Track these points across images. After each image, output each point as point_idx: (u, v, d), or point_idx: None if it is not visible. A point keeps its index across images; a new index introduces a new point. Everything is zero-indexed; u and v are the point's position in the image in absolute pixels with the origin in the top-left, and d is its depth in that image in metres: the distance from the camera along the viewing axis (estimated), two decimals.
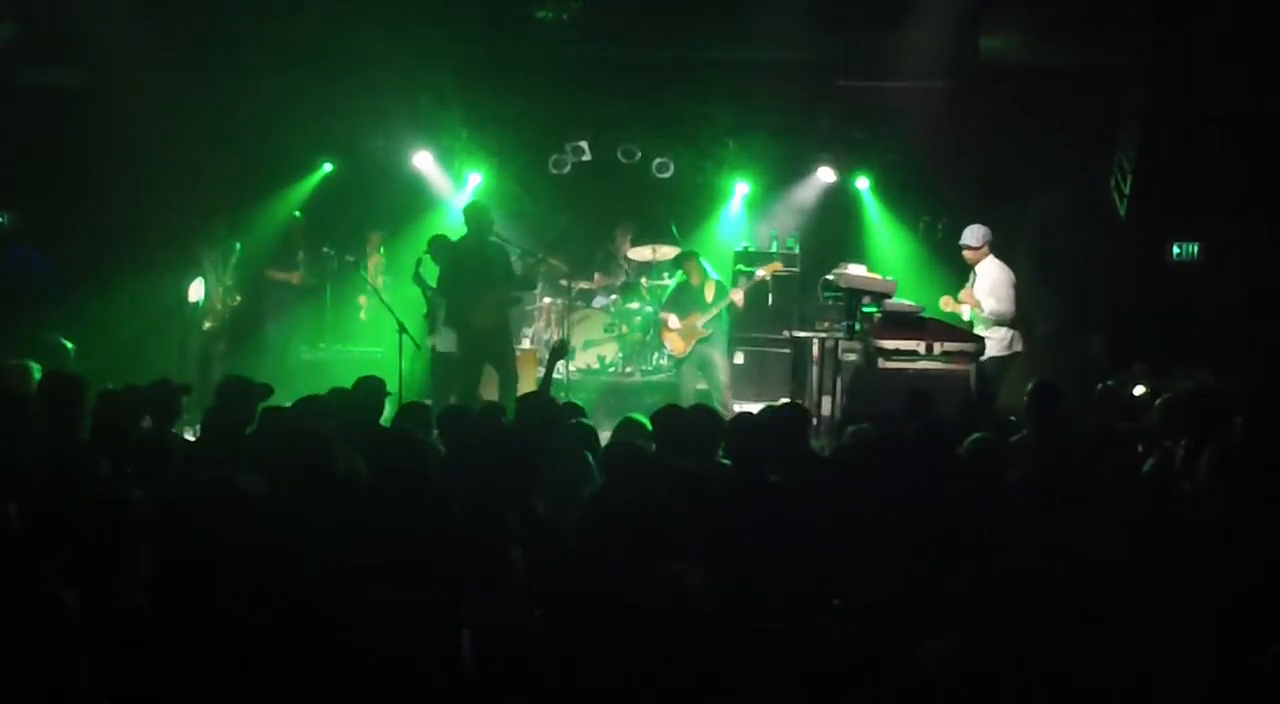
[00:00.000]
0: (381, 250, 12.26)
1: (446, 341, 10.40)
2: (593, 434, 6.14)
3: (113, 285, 10.83)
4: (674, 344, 11.22)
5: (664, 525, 4.11)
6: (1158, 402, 6.26)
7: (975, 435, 5.72)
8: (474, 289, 10.05)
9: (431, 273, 10.48)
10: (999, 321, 9.37)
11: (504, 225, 10.95)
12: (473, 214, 10.31)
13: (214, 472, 4.34)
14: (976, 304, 9.49)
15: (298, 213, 12.22)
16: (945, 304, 9.68)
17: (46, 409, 5.86)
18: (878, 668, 3.37)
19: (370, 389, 6.69)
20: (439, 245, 10.43)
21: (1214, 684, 3.39)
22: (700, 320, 11.00)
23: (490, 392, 10.06)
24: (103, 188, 11.32)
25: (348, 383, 6.86)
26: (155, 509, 3.78)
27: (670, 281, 11.88)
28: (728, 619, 3.51)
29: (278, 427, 5.76)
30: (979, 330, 9.39)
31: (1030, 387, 6.74)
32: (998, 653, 2.86)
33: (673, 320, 11.15)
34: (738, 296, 11.10)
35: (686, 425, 5.86)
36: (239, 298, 11.13)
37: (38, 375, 6.82)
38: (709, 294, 11.04)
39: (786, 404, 7.72)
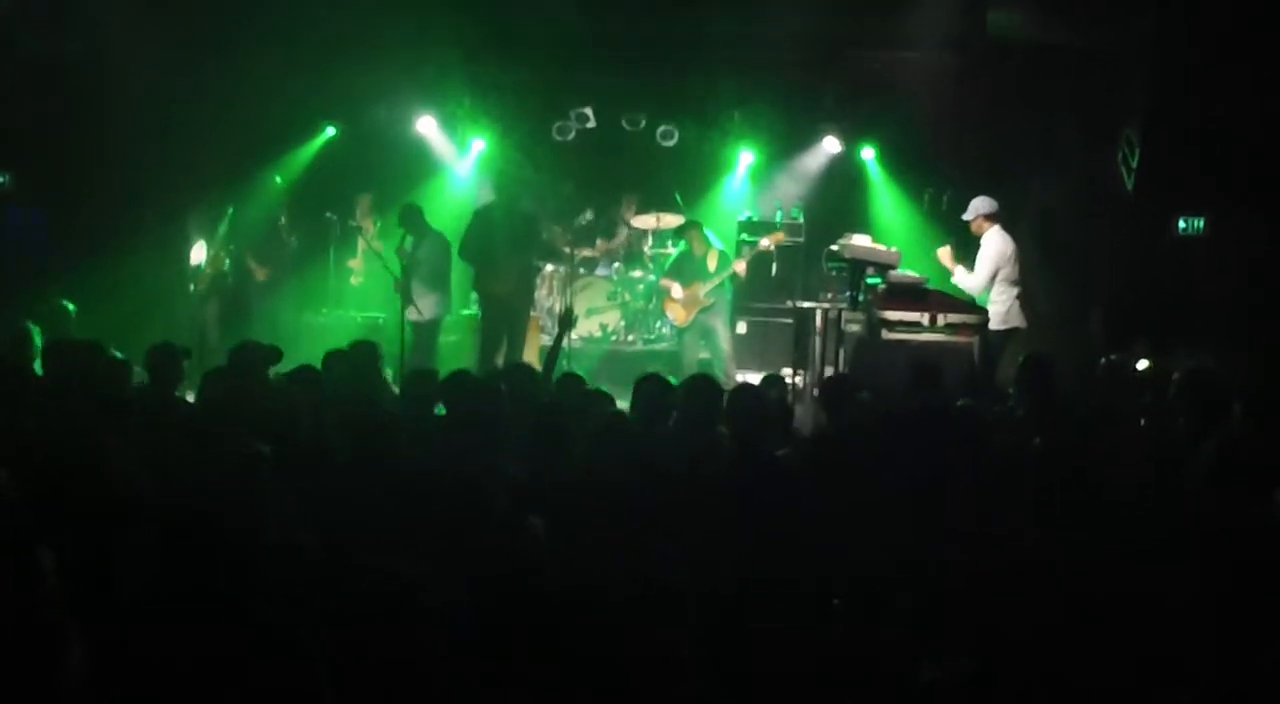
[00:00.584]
0: (374, 215, 12.16)
1: (420, 310, 10.32)
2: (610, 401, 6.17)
3: (114, 253, 10.77)
4: (676, 313, 11.21)
5: (661, 500, 4.10)
6: (1174, 376, 6.23)
7: (960, 402, 5.72)
8: (496, 257, 10.20)
9: (408, 241, 10.51)
10: (968, 289, 9.33)
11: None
12: (497, 183, 10.76)
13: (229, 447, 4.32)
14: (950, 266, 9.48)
15: (279, 177, 12.06)
16: (942, 255, 9.62)
17: (52, 380, 5.84)
18: (877, 668, 3.36)
19: (363, 353, 6.71)
20: (410, 215, 10.44)
21: (1214, 684, 3.38)
22: (702, 289, 10.98)
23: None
24: (104, 156, 11.24)
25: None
26: (160, 493, 3.76)
27: (673, 250, 11.86)
28: (727, 609, 3.50)
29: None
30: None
31: (1021, 361, 6.72)
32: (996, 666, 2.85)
33: (675, 289, 11.13)
34: (740, 267, 11.10)
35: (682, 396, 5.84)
36: (227, 262, 11.09)
37: (39, 339, 6.81)
38: (711, 264, 11.02)
39: (834, 375, 7.82)
